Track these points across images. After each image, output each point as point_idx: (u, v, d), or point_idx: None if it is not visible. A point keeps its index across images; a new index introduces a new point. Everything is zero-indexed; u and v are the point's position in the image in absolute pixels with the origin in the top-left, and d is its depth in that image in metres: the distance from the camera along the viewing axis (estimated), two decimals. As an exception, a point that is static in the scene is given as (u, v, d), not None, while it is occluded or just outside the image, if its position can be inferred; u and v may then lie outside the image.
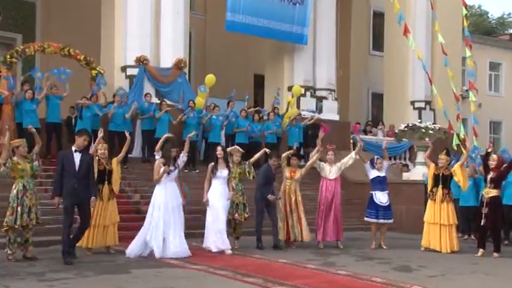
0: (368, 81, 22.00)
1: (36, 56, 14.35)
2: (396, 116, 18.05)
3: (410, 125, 13.05)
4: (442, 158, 9.01)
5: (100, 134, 8.02)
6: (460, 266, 7.63)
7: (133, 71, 13.50)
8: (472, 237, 10.73)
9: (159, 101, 12.92)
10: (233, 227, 8.84)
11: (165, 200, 7.62)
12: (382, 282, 6.18)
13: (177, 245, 7.52)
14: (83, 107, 11.60)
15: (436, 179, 8.97)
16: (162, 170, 7.70)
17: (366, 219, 9.38)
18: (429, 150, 9.30)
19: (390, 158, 10.10)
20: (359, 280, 6.31)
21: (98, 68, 13.25)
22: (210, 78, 13.77)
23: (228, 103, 13.71)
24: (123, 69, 13.66)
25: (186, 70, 14.50)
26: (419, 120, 14.18)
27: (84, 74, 13.20)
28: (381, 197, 9.21)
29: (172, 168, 7.80)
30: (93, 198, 7.18)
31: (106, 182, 7.90)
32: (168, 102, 13.18)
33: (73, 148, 7.17)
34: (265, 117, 13.89)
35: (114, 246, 8.10)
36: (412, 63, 17.94)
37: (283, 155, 9.21)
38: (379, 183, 9.28)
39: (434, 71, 17.58)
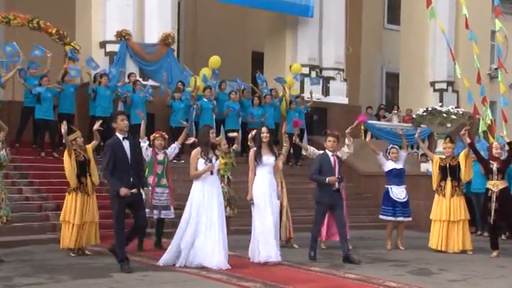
0: (382, 59, 21.93)
1: (-1, 28, 14.30)
2: (414, 98, 18.03)
3: (430, 109, 13.04)
4: (448, 146, 9.01)
5: (96, 125, 7.99)
6: (485, 268, 7.66)
7: (114, 47, 13.43)
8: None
9: (143, 82, 12.92)
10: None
11: (203, 199, 7.06)
12: (397, 287, 6.18)
13: (215, 252, 6.92)
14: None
15: (443, 172, 8.99)
16: (201, 165, 7.05)
17: (381, 217, 9.37)
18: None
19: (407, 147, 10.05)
20: (370, 285, 6.32)
21: (72, 44, 13.15)
22: (215, 60, 13.65)
23: (220, 85, 13.69)
24: (102, 45, 13.59)
25: (175, 47, 14.44)
26: (440, 104, 14.16)
27: (56, 50, 13.12)
28: (398, 192, 9.20)
29: (213, 161, 7.13)
30: (146, 189, 7.23)
31: (88, 174, 7.98)
32: (153, 83, 13.18)
33: (119, 135, 6.79)
34: (255, 100, 13.83)
35: (86, 247, 8.14)
36: (433, 39, 17.92)
37: (249, 136, 8.77)
38: (396, 176, 9.25)
39: (458, 47, 17.51)
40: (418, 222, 11.48)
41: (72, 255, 7.92)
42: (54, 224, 9.47)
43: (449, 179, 8.97)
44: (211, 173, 7.07)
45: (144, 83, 13.00)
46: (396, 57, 19.75)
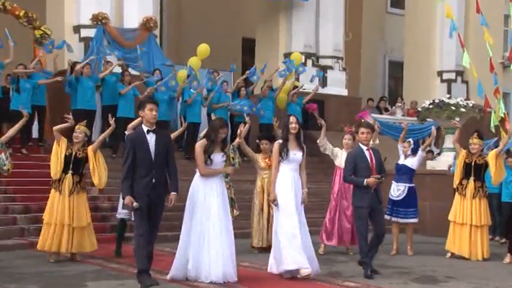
0: (384, 46, 21.95)
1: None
2: (419, 90, 18.09)
3: (437, 101, 13.02)
4: (475, 142, 8.99)
5: (111, 121, 7.99)
6: (497, 276, 7.66)
7: (89, 32, 13.36)
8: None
9: (121, 70, 12.86)
10: None
11: (205, 201, 6.68)
12: (400, 297, 6.21)
13: (220, 265, 6.57)
14: (20, 76, 11.48)
15: (467, 169, 8.96)
16: (215, 162, 6.78)
17: (386, 217, 9.38)
18: (457, 133, 9.23)
19: (415, 142, 9.98)
20: (371, 294, 6.33)
21: (43, 28, 13.05)
22: (203, 49, 13.61)
23: (212, 75, 13.66)
24: (76, 29, 13.51)
25: (157, 32, 14.37)
26: (448, 96, 14.15)
27: (24, 35, 13.01)
28: (393, 189, 9.27)
29: (220, 156, 6.84)
30: (173, 194, 6.47)
31: (70, 172, 7.92)
32: (133, 72, 13.12)
33: (144, 127, 6.44)
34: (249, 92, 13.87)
35: (77, 254, 8.11)
36: (440, 24, 17.96)
37: (237, 131, 8.47)
38: (396, 172, 9.37)
39: (468, 33, 17.61)
40: (423, 225, 11.48)
41: (51, 261, 7.87)
42: (22, 228, 9.40)
43: (472, 178, 8.94)
44: (226, 177, 6.96)
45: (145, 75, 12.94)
46: (400, 44, 19.77)
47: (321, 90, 16.30)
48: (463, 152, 9.05)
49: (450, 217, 9.13)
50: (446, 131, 13.23)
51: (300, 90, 14.64)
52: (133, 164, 6.28)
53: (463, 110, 12.67)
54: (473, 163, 8.92)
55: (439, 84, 18.48)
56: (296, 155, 7.12)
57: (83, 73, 12.08)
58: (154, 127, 6.43)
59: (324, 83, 16.66)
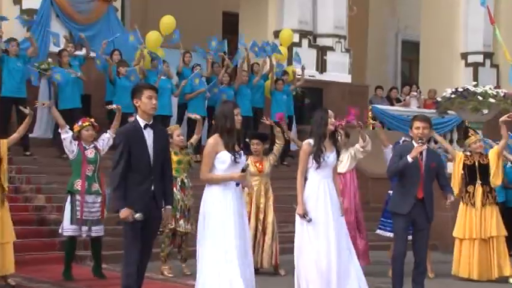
0: (397, 23, 21.95)
1: None
2: (439, 76, 18.10)
3: (461, 89, 13.03)
4: (475, 139, 9.03)
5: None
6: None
7: (33, 4, 13.28)
8: None
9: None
10: (178, 244, 8.83)
11: (228, 215, 6.17)
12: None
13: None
14: None
15: (471, 172, 8.97)
16: (223, 162, 6.21)
17: (378, 231, 9.51)
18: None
19: (429, 141, 9.95)
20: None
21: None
22: (167, 22, 13.55)
23: (184, 56, 13.61)
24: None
25: (118, 4, 14.32)
26: (474, 83, 14.17)
27: None
28: None
29: (241, 158, 6.33)
30: (168, 208, 6.27)
31: None
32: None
33: (140, 120, 6.16)
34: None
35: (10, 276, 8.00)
36: (464, -4, 18.07)
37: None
38: None
39: (499, 7, 17.63)
40: (443, 240, 11.49)
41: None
42: None
43: (478, 182, 8.93)
44: (237, 184, 6.21)
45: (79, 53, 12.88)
46: (416, 20, 19.78)
47: (319, 76, 16.31)
48: (460, 154, 9.08)
49: (456, 233, 9.11)
50: (472, 125, 13.22)
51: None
52: (127, 168, 6.03)
53: (492, 100, 12.68)
54: (476, 164, 8.93)
55: (463, 68, 18.57)
56: (329, 158, 6.82)
57: (9, 51, 11.92)
58: (152, 121, 6.21)
59: (322, 67, 16.63)
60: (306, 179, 6.82)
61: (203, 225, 6.16)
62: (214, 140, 6.20)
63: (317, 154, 6.69)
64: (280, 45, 15.19)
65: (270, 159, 9.14)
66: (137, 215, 5.93)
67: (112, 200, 6.28)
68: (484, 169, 8.93)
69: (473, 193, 8.98)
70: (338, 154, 6.95)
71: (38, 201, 10.60)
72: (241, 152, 6.35)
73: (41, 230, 9.60)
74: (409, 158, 6.93)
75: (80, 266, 8.83)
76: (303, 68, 14.77)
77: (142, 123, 6.12)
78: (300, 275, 6.72)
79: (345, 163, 9.29)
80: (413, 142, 7.18)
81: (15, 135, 8.22)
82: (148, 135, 6.12)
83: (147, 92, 6.12)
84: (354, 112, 9.09)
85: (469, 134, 9.10)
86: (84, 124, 8.51)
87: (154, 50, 13.43)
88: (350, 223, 8.83)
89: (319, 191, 6.75)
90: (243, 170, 6.17)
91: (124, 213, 5.95)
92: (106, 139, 8.67)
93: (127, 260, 6.05)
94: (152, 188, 6.07)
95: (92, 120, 8.69)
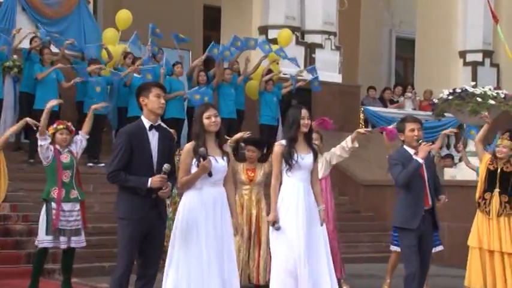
0: (391, 18, 22.02)
1: None
2: (436, 75, 18.18)
3: (459, 90, 13.08)
4: (504, 144, 9.01)
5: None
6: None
7: (-3, -4, 13.27)
8: None
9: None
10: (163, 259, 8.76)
11: (204, 220, 6.25)
12: None
13: None
14: None
15: (491, 178, 8.95)
16: (194, 164, 6.28)
17: (392, 248, 9.26)
18: (483, 130, 9.16)
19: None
20: None
21: None
22: (123, 16, 13.60)
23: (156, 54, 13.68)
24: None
25: (90, -3, 14.33)
26: (473, 83, 14.22)
27: None
28: None
29: (215, 159, 6.33)
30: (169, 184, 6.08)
31: None
32: (57, 51, 12.97)
33: (145, 121, 6.10)
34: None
35: None
36: (463, -10, 18.19)
37: (232, 138, 8.85)
38: None
39: (500, 2, 17.73)
40: (439, 251, 11.47)
41: None
42: None
43: (497, 190, 8.91)
44: (210, 175, 6.23)
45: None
46: (411, 16, 19.85)
47: (307, 76, 16.24)
48: (487, 157, 9.05)
49: (470, 242, 9.09)
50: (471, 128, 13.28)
51: (280, 76, 14.61)
52: (125, 169, 5.88)
53: (492, 102, 12.73)
54: (499, 170, 8.92)
55: (461, 68, 18.65)
56: (304, 159, 6.81)
57: None
58: (159, 122, 6.14)
59: (310, 65, 16.60)
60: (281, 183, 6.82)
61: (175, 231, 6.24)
62: (189, 145, 6.33)
63: (288, 155, 6.70)
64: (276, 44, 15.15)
65: (265, 167, 9.01)
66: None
67: (128, 183, 5.92)
68: (506, 177, 8.89)
69: (490, 201, 8.96)
70: (315, 156, 6.91)
71: (2, 210, 10.35)
72: (223, 156, 6.34)
73: (6, 241, 9.49)
74: (420, 159, 6.91)
75: (47, 280, 8.75)
76: (296, 78, 14.69)
77: (147, 123, 6.04)
78: (278, 277, 6.72)
79: (319, 169, 9.21)
80: (405, 147, 7.16)
81: (6, 134, 8.29)
82: (153, 137, 6.04)
83: (155, 90, 6.06)
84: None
85: (505, 138, 8.98)
86: (59, 127, 8.42)
87: (113, 46, 13.41)
88: (330, 233, 8.76)
89: (292, 196, 6.74)
90: (204, 158, 6.10)
91: (155, 180, 5.82)
92: (79, 141, 8.61)
93: (120, 270, 5.99)
94: (153, 196, 5.96)
95: (68, 123, 8.58)
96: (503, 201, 8.88)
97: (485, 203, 8.95)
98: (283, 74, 14.85)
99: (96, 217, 10.24)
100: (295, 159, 6.71)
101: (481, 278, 8.95)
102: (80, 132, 8.70)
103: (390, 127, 9.02)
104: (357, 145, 8.82)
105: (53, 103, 8.55)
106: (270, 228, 6.78)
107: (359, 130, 9.05)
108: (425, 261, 7.17)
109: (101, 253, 9.33)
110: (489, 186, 8.95)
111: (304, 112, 6.79)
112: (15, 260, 9.46)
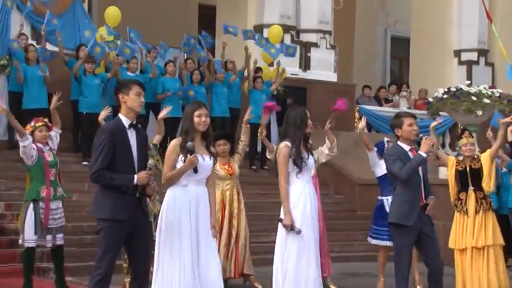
0: (386, 17, 22.03)
1: None
2: (430, 74, 18.18)
3: (454, 89, 13.10)
4: (470, 141, 9.02)
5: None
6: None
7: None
8: None
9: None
10: None
11: (188, 217, 6.27)
12: None
13: None
14: None
15: (463, 178, 8.98)
16: (180, 160, 6.31)
17: (372, 241, 9.41)
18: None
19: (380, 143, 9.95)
20: None
21: None
22: (112, 13, 13.64)
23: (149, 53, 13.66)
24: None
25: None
26: (468, 82, 14.25)
27: None
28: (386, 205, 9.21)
29: (202, 157, 6.34)
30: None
31: None
32: (52, 48, 13.03)
33: (123, 119, 6.09)
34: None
35: None
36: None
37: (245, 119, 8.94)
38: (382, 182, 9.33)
39: (495, 1, 17.71)
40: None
41: None
42: None
43: (471, 188, 8.95)
44: (195, 171, 6.27)
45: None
46: (406, 15, 19.85)
47: (302, 75, 16.30)
48: (452, 159, 9.10)
49: (450, 245, 9.13)
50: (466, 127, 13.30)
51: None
52: (108, 168, 5.87)
53: (487, 100, 12.74)
54: (468, 169, 8.96)
55: (456, 67, 18.64)
56: (309, 160, 6.84)
57: None
58: (135, 121, 6.17)
59: (306, 65, 16.65)
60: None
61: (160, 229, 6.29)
62: (176, 141, 6.35)
63: (298, 157, 6.69)
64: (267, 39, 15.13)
65: (236, 159, 9.12)
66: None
67: (115, 181, 5.95)
68: (476, 174, 8.92)
69: (466, 200, 9.00)
70: (313, 156, 6.99)
71: (-6, 208, 10.53)
72: (210, 156, 6.39)
73: (0, 240, 9.53)
74: (423, 154, 6.97)
75: (42, 279, 8.76)
76: (277, 64, 14.50)
77: (126, 122, 6.08)
78: (286, 282, 6.71)
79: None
80: (399, 143, 7.24)
81: None
82: (132, 135, 6.09)
83: (136, 88, 6.12)
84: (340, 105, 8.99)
85: (462, 136, 9.09)
86: (38, 124, 8.35)
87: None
88: (321, 231, 8.74)
89: (306, 199, 6.75)
90: (191, 153, 6.14)
91: (141, 176, 5.91)
92: (54, 138, 8.54)
93: (100, 266, 6.03)
94: (137, 195, 6.01)
95: (45, 120, 8.52)
96: (479, 198, 8.92)
97: (461, 203, 8.99)
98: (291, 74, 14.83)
99: (90, 216, 10.26)
100: (305, 161, 6.73)
101: (465, 279, 9.01)
102: (53, 128, 8.56)
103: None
104: (335, 142, 8.70)
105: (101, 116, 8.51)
106: (283, 230, 6.77)
107: (326, 126, 8.97)
108: (435, 259, 7.20)
109: (96, 252, 9.36)
110: (462, 186, 8.98)
111: (308, 113, 6.86)
112: (9, 258, 9.43)
